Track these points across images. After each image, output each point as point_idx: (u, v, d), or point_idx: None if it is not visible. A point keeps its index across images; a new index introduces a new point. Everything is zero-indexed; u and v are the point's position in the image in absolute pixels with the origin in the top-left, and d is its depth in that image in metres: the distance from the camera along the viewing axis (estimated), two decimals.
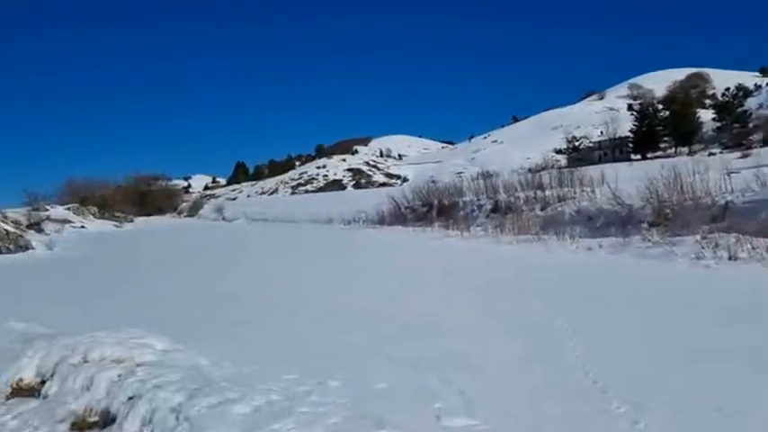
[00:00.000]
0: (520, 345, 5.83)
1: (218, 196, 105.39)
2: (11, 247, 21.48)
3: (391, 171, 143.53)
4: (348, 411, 3.98)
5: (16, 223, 27.55)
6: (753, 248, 10.08)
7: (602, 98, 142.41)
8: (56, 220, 33.84)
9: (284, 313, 8.22)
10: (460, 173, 72.34)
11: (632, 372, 4.81)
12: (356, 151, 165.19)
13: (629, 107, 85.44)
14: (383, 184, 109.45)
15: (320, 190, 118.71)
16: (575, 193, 18.73)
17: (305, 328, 7.16)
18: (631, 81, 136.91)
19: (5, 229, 22.75)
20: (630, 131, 73.88)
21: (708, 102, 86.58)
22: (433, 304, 8.31)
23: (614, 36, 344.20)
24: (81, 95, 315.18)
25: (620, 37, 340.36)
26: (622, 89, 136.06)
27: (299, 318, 7.84)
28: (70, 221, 35.81)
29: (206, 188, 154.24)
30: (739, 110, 69.77)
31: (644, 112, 73.26)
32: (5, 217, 28.37)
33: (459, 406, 4.23)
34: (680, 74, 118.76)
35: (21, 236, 23.34)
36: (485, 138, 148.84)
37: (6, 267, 17.72)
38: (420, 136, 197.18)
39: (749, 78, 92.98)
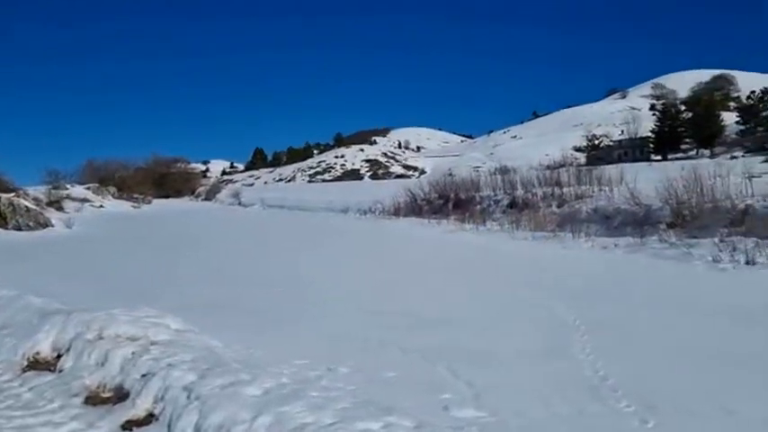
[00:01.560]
0: (529, 340, 5.82)
1: (236, 181, 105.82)
2: (30, 223, 21.76)
3: (409, 163, 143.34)
4: (357, 398, 4.00)
5: (36, 200, 27.91)
6: None
7: (624, 97, 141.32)
8: (75, 199, 34.23)
9: (296, 302, 8.27)
10: (478, 167, 72.15)
11: (642, 371, 4.79)
12: (375, 142, 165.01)
13: (652, 107, 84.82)
14: (400, 176, 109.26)
15: (337, 179, 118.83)
16: (593, 191, 18.61)
17: (316, 317, 7.20)
18: (655, 81, 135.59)
19: (26, 206, 23.03)
20: (652, 132, 73.35)
21: (732, 104, 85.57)
22: (443, 297, 8.34)
23: (639, 35, 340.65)
24: (106, 82, 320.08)
25: (645, 36, 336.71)
26: (645, 88, 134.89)
27: (310, 306, 7.89)
28: (89, 201, 36.16)
29: (224, 173, 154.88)
30: (764, 113, 68.84)
31: (666, 113, 72.72)
32: (26, 194, 28.76)
33: (467, 397, 4.24)
34: (705, 75, 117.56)
35: (41, 213, 23.63)
36: (504, 132, 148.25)
37: (26, 243, 17.98)
38: (440, 129, 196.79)
39: None
